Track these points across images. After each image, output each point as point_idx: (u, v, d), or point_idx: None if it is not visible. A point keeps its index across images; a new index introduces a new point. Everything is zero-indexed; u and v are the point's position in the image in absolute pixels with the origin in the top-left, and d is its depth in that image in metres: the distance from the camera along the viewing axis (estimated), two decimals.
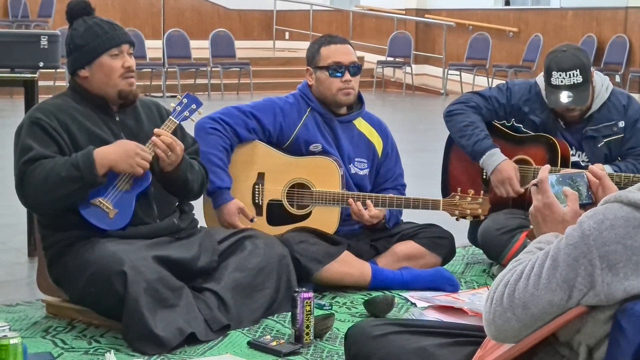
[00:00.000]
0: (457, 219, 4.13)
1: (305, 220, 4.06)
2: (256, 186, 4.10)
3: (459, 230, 4.51)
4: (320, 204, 4.04)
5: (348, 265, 3.95)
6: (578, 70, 4.16)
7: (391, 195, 4.10)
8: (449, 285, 4.00)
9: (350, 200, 4.00)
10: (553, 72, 4.20)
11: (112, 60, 3.51)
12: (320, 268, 3.88)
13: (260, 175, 4.07)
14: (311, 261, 3.86)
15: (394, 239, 4.17)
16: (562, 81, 4.18)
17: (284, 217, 4.09)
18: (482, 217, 4.07)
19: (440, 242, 4.18)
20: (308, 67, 4.21)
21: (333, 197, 4.03)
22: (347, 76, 4.11)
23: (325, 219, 4.05)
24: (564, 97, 4.19)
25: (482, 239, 4.35)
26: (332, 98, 4.14)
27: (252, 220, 4.02)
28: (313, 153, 4.10)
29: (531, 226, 2.29)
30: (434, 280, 4.01)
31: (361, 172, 4.21)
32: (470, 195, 4.04)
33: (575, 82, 4.17)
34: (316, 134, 4.13)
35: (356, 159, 4.20)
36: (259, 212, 4.10)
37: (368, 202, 4.01)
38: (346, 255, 3.96)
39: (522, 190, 4.23)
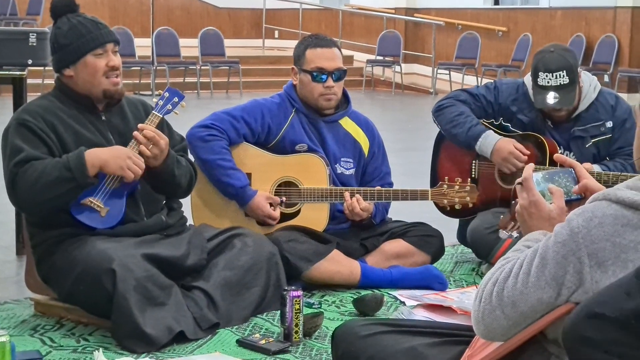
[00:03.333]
0: (447, 210, 4.13)
1: (294, 218, 4.06)
2: None
3: (448, 229, 4.51)
4: (309, 201, 4.04)
5: (337, 264, 3.95)
6: (565, 71, 4.16)
7: (379, 188, 4.10)
8: (438, 283, 4.01)
9: (346, 193, 3.99)
10: (540, 73, 4.20)
11: (97, 60, 3.49)
12: (309, 266, 3.88)
13: (248, 176, 4.06)
14: (300, 260, 3.86)
15: (383, 238, 4.17)
16: (548, 82, 4.18)
17: None
18: (470, 205, 4.07)
19: (429, 241, 4.19)
20: (293, 67, 4.21)
21: (321, 193, 4.02)
22: (330, 82, 4.10)
23: (315, 217, 4.05)
24: (550, 97, 4.19)
25: (471, 237, 4.35)
26: (313, 102, 4.13)
27: (282, 202, 4.03)
28: (299, 152, 4.10)
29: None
30: (422, 278, 4.01)
31: (347, 172, 4.20)
32: (457, 183, 4.05)
33: (562, 84, 4.17)
34: (302, 134, 4.12)
35: (342, 159, 4.19)
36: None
37: (357, 195, 4.01)
38: (335, 253, 3.96)
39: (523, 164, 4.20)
